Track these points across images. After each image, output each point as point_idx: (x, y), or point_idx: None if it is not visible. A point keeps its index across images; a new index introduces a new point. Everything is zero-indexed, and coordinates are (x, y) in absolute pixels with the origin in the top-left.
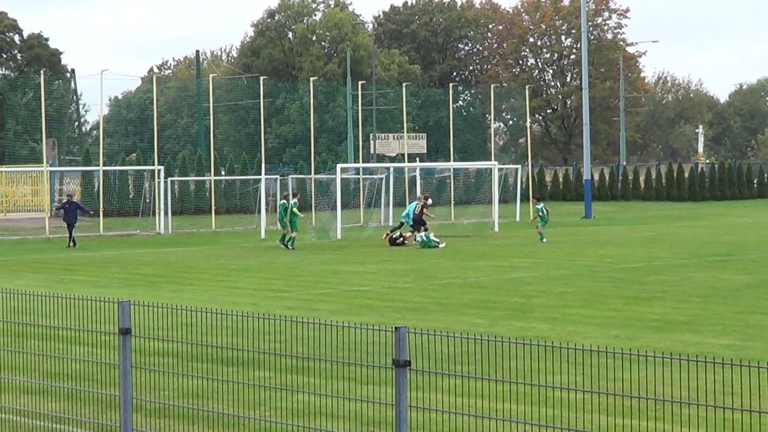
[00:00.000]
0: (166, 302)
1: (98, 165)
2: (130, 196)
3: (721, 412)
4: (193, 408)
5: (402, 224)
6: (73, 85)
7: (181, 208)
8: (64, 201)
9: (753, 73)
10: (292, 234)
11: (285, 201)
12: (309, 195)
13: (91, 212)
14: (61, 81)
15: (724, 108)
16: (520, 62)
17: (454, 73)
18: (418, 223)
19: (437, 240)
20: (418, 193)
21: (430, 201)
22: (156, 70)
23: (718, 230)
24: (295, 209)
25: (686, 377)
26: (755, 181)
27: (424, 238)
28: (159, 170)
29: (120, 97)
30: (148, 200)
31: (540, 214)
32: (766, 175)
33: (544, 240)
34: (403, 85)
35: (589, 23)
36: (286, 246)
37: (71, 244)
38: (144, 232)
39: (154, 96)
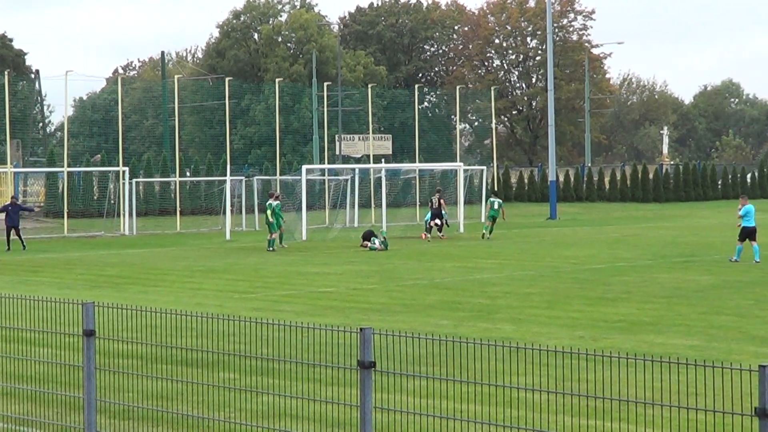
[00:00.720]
0: (130, 304)
1: (63, 166)
2: (95, 198)
3: (685, 413)
4: (158, 410)
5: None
6: (37, 86)
7: (145, 210)
8: (6, 203)
9: (717, 74)
10: (272, 235)
11: (276, 202)
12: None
13: (35, 209)
14: (25, 82)
15: (689, 109)
16: (486, 63)
17: (420, 75)
18: (438, 216)
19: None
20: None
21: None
22: (121, 71)
23: (683, 231)
24: (277, 210)
25: (650, 378)
26: (719, 183)
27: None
28: (124, 171)
29: (85, 98)
30: (112, 201)
31: (494, 207)
32: (730, 177)
33: (488, 236)
34: (369, 86)
35: (555, 25)
36: (282, 245)
37: (11, 246)
38: (109, 233)
39: (119, 97)
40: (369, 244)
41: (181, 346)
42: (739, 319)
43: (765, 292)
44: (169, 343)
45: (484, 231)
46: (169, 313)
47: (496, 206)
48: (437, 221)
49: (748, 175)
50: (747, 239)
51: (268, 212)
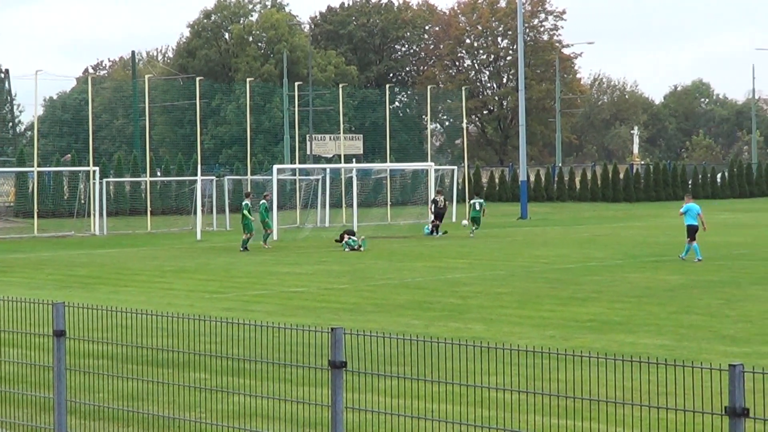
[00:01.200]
0: (101, 304)
1: (33, 166)
2: (65, 197)
3: (656, 412)
4: (129, 410)
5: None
6: (7, 85)
7: (116, 209)
8: None
9: (687, 74)
10: (246, 235)
11: (265, 201)
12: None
13: None
14: None
15: (659, 109)
16: (457, 63)
17: (391, 74)
18: (439, 217)
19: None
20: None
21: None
22: (91, 70)
23: (653, 231)
24: (245, 212)
25: (621, 377)
26: (690, 182)
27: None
28: (94, 171)
29: (55, 97)
30: (83, 201)
31: (476, 207)
32: (700, 177)
33: (471, 235)
34: (340, 86)
35: (526, 25)
36: (265, 246)
37: None
38: (79, 233)
39: (89, 96)
40: (347, 238)
41: (151, 346)
42: (709, 318)
43: (735, 292)
44: (140, 343)
45: (470, 233)
46: (140, 313)
47: (477, 207)
48: (437, 222)
49: (718, 175)
50: (689, 238)
51: (245, 210)
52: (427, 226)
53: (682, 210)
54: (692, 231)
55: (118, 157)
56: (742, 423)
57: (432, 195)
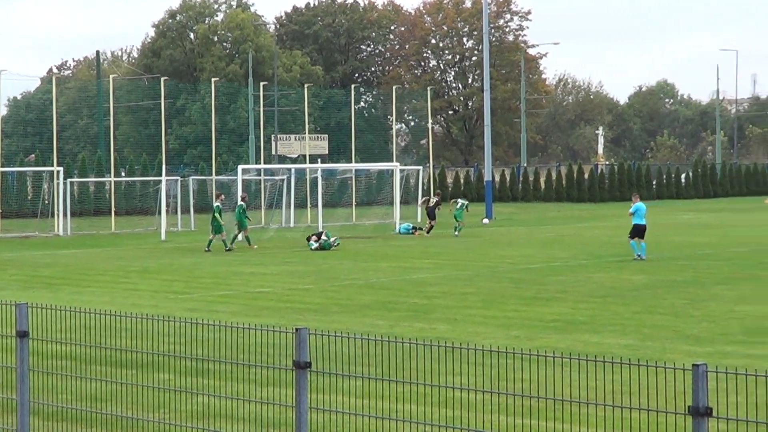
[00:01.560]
0: (64, 304)
1: None
2: (29, 198)
3: (620, 412)
4: (92, 411)
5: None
6: None
7: (80, 210)
8: None
9: (652, 75)
10: (211, 236)
11: (243, 203)
12: (210, 196)
13: None
14: None
15: (624, 110)
16: (422, 64)
17: (356, 75)
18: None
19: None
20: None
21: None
22: (56, 70)
23: (618, 231)
24: (216, 213)
25: (585, 377)
26: (654, 183)
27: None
28: (58, 171)
29: (19, 97)
30: (47, 201)
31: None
32: (664, 177)
33: (456, 234)
34: (305, 86)
35: (491, 25)
36: (249, 245)
37: None
38: (43, 233)
39: (53, 96)
40: (323, 239)
41: (115, 346)
42: (673, 318)
43: (699, 292)
44: (104, 343)
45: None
46: (104, 313)
47: (458, 206)
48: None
49: (683, 175)
50: (637, 237)
51: (216, 213)
52: (406, 225)
53: (631, 210)
54: (641, 230)
55: (83, 157)
56: (706, 422)
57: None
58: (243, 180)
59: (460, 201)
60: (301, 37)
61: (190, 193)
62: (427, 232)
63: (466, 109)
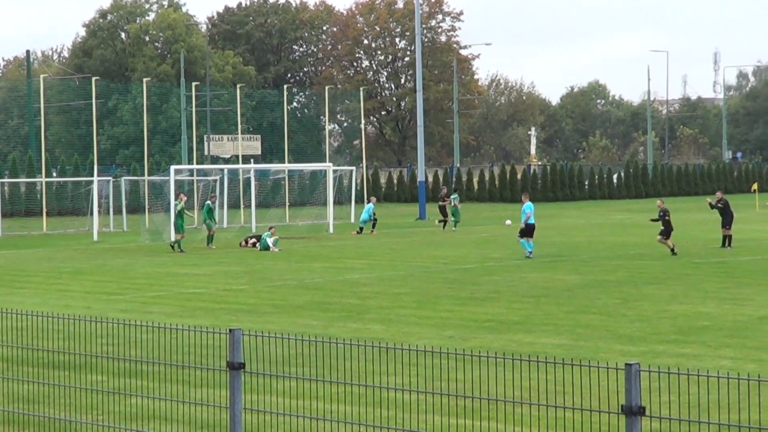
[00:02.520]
0: None
1: None
2: None
3: (554, 411)
4: (24, 413)
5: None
6: None
7: (11, 211)
8: None
9: (584, 76)
10: (179, 236)
11: (210, 203)
12: (142, 197)
13: None
14: None
15: (556, 110)
16: (355, 64)
17: (289, 75)
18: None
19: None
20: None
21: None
22: None
23: (550, 231)
24: (179, 211)
25: (519, 377)
26: (586, 183)
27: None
28: None
29: None
30: None
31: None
32: (597, 177)
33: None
34: (238, 86)
35: (423, 26)
36: (208, 245)
37: None
38: None
39: None
40: (263, 243)
41: (47, 348)
42: (606, 318)
43: (631, 291)
44: (35, 345)
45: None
46: (36, 315)
47: (452, 202)
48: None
49: (615, 176)
50: (527, 236)
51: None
52: (368, 207)
53: (528, 210)
54: (532, 230)
55: (13, 157)
56: (639, 421)
57: (329, 195)
58: (176, 180)
59: (453, 196)
60: (233, 38)
61: (122, 193)
62: (444, 227)
63: (399, 110)
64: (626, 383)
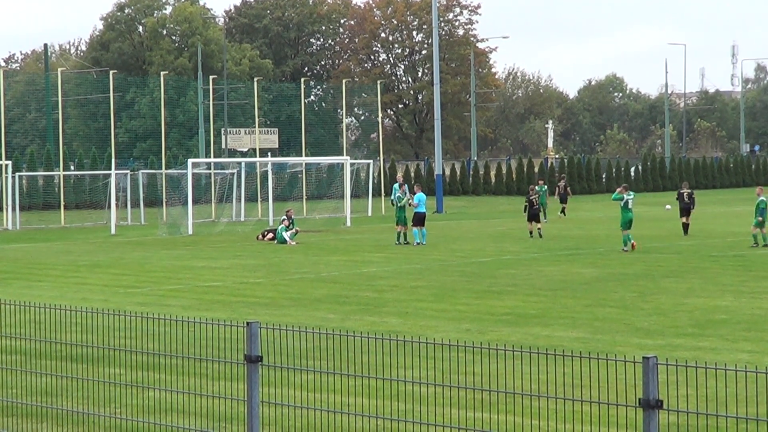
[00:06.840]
0: (13, 299)
1: None
2: None
3: (571, 404)
4: (42, 406)
5: None
6: None
7: (29, 204)
8: None
9: (601, 69)
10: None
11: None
12: (159, 190)
13: None
14: None
15: (573, 104)
16: (372, 57)
17: (306, 68)
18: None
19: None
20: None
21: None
22: (3, 63)
23: (568, 224)
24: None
25: (536, 370)
26: (604, 176)
27: None
28: (6, 165)
29: None
30: None
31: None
32: (614, 170)
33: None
34: (255, 79)
35: (440, 19)
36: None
37: None
38: None
39: (0, 90)
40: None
41: (65, 341)
42: (623, 311)
43: (648, 285)
44: (53, 338)
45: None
46: (54, 308)
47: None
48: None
49: (632, 169)
50: (419, 225)
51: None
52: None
53: (414, 201)
54: (422, 218)
55: (31, 151)
56: (656, 415)
57: (346, 188)
58: (193, 174)
59: (538, 187)
60: (250, 31)
61: (139, 186)
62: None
63: (416, 103)
64: (644, 376)
